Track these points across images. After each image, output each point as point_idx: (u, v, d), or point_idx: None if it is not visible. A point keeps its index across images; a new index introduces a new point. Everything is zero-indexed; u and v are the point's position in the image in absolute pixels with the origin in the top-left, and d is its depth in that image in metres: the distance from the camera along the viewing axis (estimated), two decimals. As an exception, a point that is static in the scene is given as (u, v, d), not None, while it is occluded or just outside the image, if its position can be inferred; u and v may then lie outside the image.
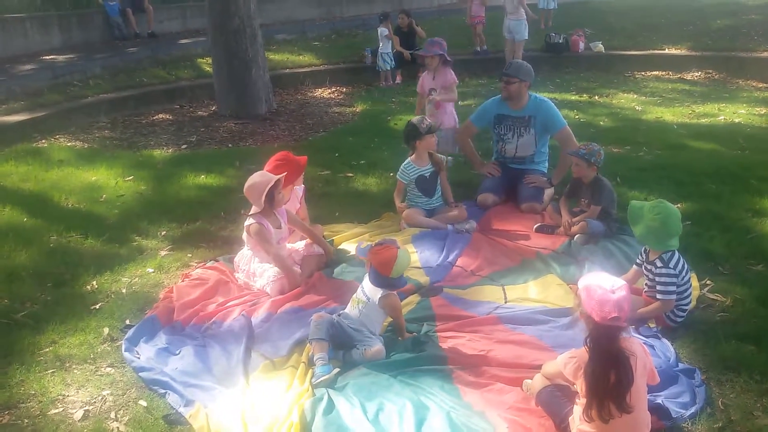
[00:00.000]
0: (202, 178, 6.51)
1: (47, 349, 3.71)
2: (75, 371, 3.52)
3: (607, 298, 2.69)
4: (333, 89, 11.42)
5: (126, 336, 3.79)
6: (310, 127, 8.90)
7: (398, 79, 11.90)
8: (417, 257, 4.73)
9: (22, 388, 3.39)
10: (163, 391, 3.34)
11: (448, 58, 6.77)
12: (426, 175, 5.45)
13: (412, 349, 3.62)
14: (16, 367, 3.55)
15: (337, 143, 7.91)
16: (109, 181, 6.46)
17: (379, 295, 3.64)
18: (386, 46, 11.67)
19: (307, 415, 3.06)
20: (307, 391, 3.26)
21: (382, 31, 11.65)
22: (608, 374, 2.64)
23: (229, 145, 8.07)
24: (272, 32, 13.89)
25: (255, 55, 9.19)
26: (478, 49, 12.89)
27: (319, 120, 9.26)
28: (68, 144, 8.09)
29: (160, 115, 9.62)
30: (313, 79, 11.70)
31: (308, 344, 3.60)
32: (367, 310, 3.68)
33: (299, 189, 5.00)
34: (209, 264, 4.69)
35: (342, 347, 3.59)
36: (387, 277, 3.62)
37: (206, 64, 11.28)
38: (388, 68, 11.76)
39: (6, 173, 6.77)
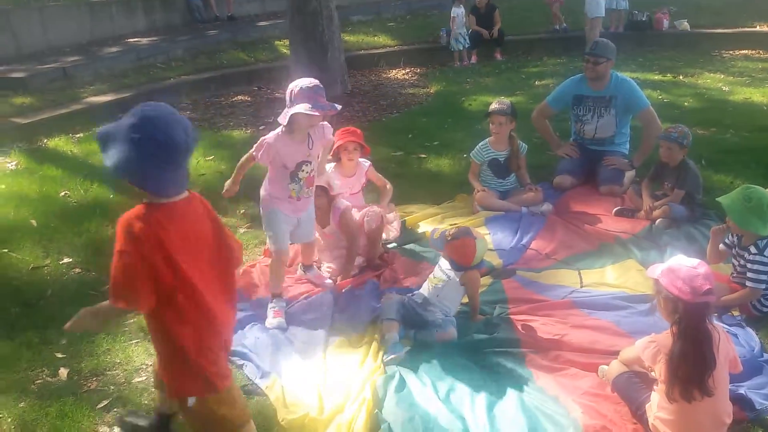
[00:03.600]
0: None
1: (131, 321, 3.87)
2: (158, 341, 3.67)
3: (695, 273, 2.62)
4: (407, 70, 11.37)
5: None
6: (384, 108, 8.90)
7: (473, 59, 11.74)
8: (490, 239, 4.69)
9: (109, 357, 3.56)
10: (242, 362, 3.45)
11: None
12: (500, 159, 5.38)
13: (485, 331, 3.61)
14: (102, 336, 3.72)
15: (411, 124, 7.89)
16: (191, 161, 6.64)
17: (461, 273, 3.66)
18: (460, 26, 11.51)
19: (380, 391, 3.10)
20: (378, 368, 3.30)
21: (456, 10, 11.50)
22: (694, 354, 2.58)
23: (305, 126, 8.15)
24: (348, 14, 13.93)
25: (331, 37, 9.24)
26: (557, 27, 12.56)
27: (393, 101, 9.25)
28: (152, 124, 8.37)
29: (239, 97, 9.83)
30: (387, 60, 11.68)
31: (380, 323, 3.64)
32: (446, 288, 3.68)
33: (364, 163, 5.00)
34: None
35: (413, 327, 3.61)
36: (467, 266, 3.65)
37: (284, 46, 11.43)
38: (461, 48, 11.61)
39: (94, 151, 7.06)
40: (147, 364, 3.47)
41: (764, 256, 3.56)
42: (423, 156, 6.68)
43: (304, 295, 4.08)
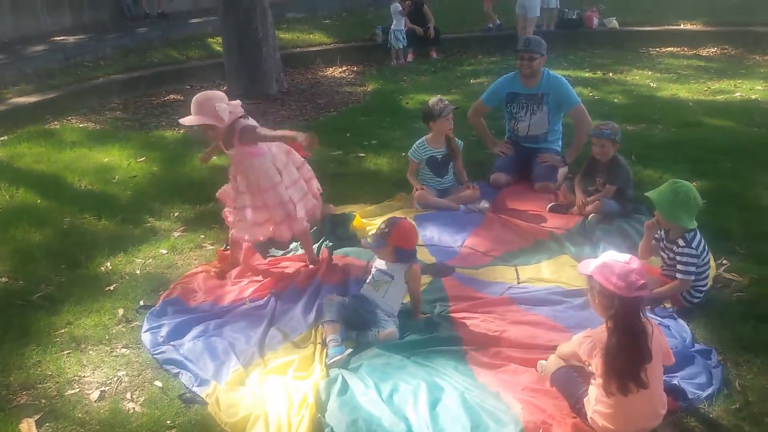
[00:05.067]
0: (214, 159, 6.42)
1: (63, 330, 3.73)
2: (90, 352, 3.54)
3: (629, 268, 2.68)
4: (344, 68, 11.33)
5: (148, 315, 3.81)
6: (321, 106, 8.85)
7: (410, 57, 11.77)
8: (420, 237, 4.72)
9: (39, 369, 3.41)
10: (177, 370, 3.35)
11: None
12: (438, 157, 5.42)
13: (426, 330, 3.62)
14: (32, 348, 3.57)
15: (349, 123, 7.87)
16: (122, 162, 6.46)
17: (404, 270, 3.67)
18: (399, 24, 11.53)
19: (322, 395, 3.07)
20: (321, 372, 3.27)
21: (395, 7, 11.50)
22: (629, 348, 2.64)
23: (241, 126, 8.02)
24: (283, 11, 13.77)
25: (265, 34, 9.12)
26: (490, 25, 12.74)
27: (330, 99, 9.20)
28: (80, 125, 8.09)
29: (171, 96, 9.59)
30: (323, 58, 11.61)
31: (320, 326, 3.61)
32: (390, 289, 3.68)
33: None
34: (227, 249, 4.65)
35: (355, 328, 3.59)
36: (412, 249, 3.72)
37: (216, 43, 11.21)
38: (401, 46, 11.63)
39: (19, 154, 6.79)
40: (80, 376, 3.35)
41: (692, 248, 3.67)
42: (362, 155, 6.67)
43: (248, 298, 4.00)
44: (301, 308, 3.86)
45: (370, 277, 3.81)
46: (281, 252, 4.65)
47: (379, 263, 3.78)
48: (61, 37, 11.60)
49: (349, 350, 3.41)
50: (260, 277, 4.24)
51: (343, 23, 13.98)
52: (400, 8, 11.53)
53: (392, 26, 11.54)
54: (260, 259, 4.53)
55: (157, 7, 14.03)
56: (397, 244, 3.69)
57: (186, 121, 3.98)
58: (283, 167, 4.19)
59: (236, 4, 8.92)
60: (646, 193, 3.93)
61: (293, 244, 4.67)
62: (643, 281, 2.68)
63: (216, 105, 3.86)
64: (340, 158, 6.56)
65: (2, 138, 7.41)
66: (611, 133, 4.99)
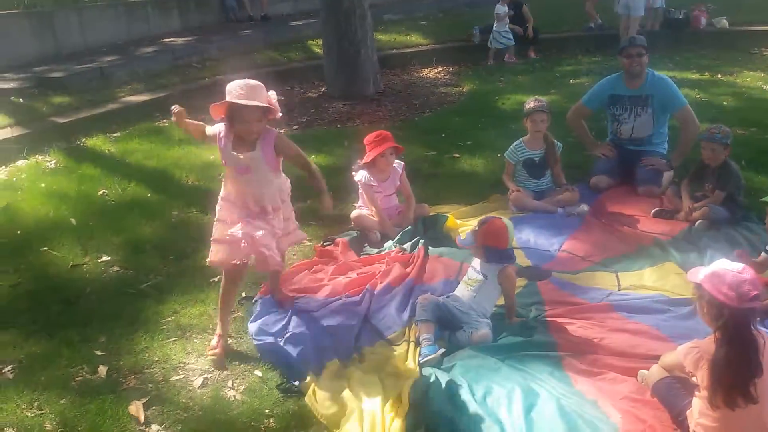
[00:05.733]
0: (313, 158, 6.58)
1: (169, 319, 3.92)
2: (195, 340, 3.71)
3: (741, 278, 2.56)
4: (440, 69, 11.34)
5: (252, 307, 3.94)
6: (416, 107, 8.88)
7: (508, 58, 11.62)
8: (515, 240, 4.66)
9: (147, 355, 3.60)
10: (277, 361, 3.45)
11: None
12: (535, 158, 5.34)
13: (521, 333, 3.57)
14: (141, 334, 3.77)
15: (444, 124, 7.86)
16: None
17: (497, 270, 3.64)
18: (502, 24, 11.43)
19: (416, 393, 3.08)
20: (414, 370, 3.29)
21: (500, 8, 11.42)
22: (738, 361, 2.52)
23: (338, 126, 8.19)
24: (380, 13, 13.93)
25: (364, 36, 9.26)
26: (591, 25, 12.41)
27: (426, 100, 9.23)
28: (188, 124, 8.46)
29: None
30: (420, 59, 11.66)
31: (414, 325, 3.63)
32: (483, 288, 3.66)
33: (398, 166, 5.02)
34: (326, 245, 4.76)
35: (448, 328, 3.59)
36: (504, 249, 3.66)
37: (317, 45, 11.48)
38: (503, 46, 11.52)
39: (131, 150, 7.19)
40: (184, 363, 3.51)
41: (808, 258, 3.47)
42: (456, 156, 6.65)
43: (345, 293, 4.06)
44: (395, 306, 3.89)
45: (465, 276, 3.79)
46: (375, 250, 4.71)
47: (475, 263, 3.76)
48: (170, 39, 12.17)
49: (442, 350, 3.41)
50: (355, 274, 4.31)
51: (440, 24, 13.98)
52: (506, 9, 11.41)
53: (495, 27, 11.44)
54: (354, 256, 4.59)
55: (261, 10, 14.49)
56: (486, 243, 3.66)
57: (251, 101, 3.32)
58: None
59: (337, 7, 9.09)
60: (763, 199, 3.70)
61: (387, 243, 4.73)
62: (755, 292, 2.55)
63: (270, 93, 3.50)
64: (435, 159, 6.57)
65: (116, 134, 7.86)
66: (723, 137, 4.77)
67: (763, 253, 3.81)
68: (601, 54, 11.32)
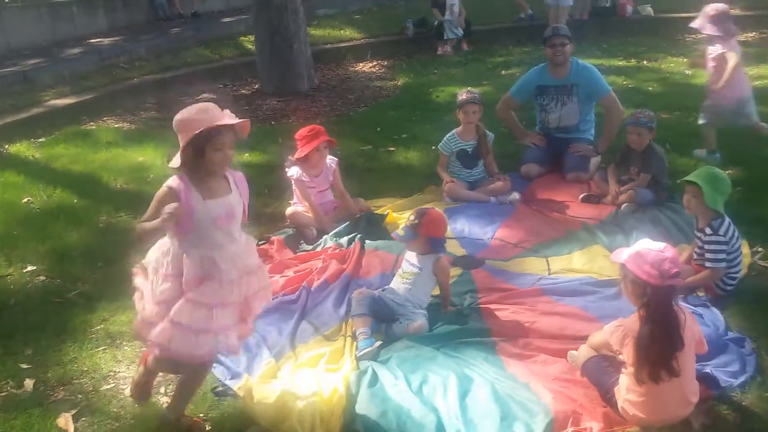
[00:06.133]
0: (246, 156, 6.56)
1: (98, 327, 3.82)
2: (125, 348, 3.62)
3: (662, 257, 2.66)
4: (374, 63, 11.34)
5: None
6: (351, 102, 8.87)
7: (445, 49, 11.73)
8: (449, 229, 4.72)
9: (76, 365, 3.49)
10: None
11: None
12: (468, 149, 5.41)
13: (456, 321, 3.63)
14: (69, 344, 3.66)
15: (379, 118, 7.88)
16: (156, 161, 6.57)
17: (432, 261, 3.67)
18: (453, 14, 11.58)
19: (352, 387, 3.09)
20: (351, 364, 3.29)
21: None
22: (661, 337, 2.62)
23: (272, 123, 8.11)
24: (313, 7, 13.85)
25: (297, 32, 9.18)
26: (522, 15, 12.62)
27: (361, 95, 9.22)
28: (115, 126, 8.24)
29: (205, 95, 9.65)
30: (354, 54, 11.63)
31: (350, 320, 3.63)
32: (418, 280, 3.70)
33: (332, 161, 5.02)
34: (261, 244, 4.68)
35: (385, 321, 3.62)
36: (442, 237, 3.75)
37: (249, 42, 11.32)
38: (454, 36, 11.67)
39: (57, 155, 6.96)
40: (115, 371, 3.42)
41: (720, 235, 3.63)
42: (392, 149, 6.68)
43: (281, 292, 4.03)
44: (332, 302, 3.89)
45: (399, 269, 3.82)
46: (311, 247, 4.69)
47: (409, 255, 3.79)
48: (97, 40, 11.83)
49: (379, 342, 3.43)
50: (291, 272, 4.28)
51: (374, 18, 13.98)
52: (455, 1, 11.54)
53: (447, 16, 11.56)
54: (290, 253, 4.56)
55: (191, 7, 14.21)
56: (429, 234, 3.70)
57: (234, 119, 2.74)
58: None
59: (269, 3, 8.99)
60: (686, 178, 3.80)
61: (323, 238, 4.71)
62: (676, 270, 2.65)
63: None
64: (370, 153, 6.58)
65: (41, 140, 7.58)
66: (647, 121, 4.92)
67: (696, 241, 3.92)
68: (532, 45, 11.46)
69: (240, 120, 2.75)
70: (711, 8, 5.45)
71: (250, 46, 11.02)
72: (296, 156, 4.87)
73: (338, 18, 13.97)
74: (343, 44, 12.06)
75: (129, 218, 5.22)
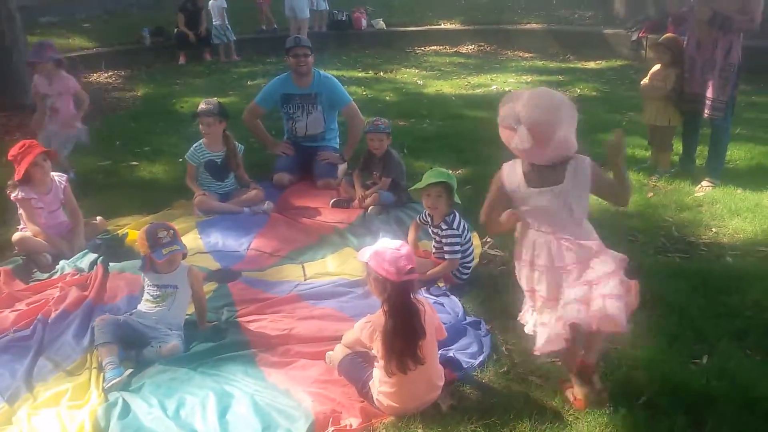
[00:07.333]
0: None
1: None
2: None
3: (398, 254, 2.81)
4: (110, 73, 10.66)
5: None
6: (85, 114, 8.20)
7: (182, 59, 11.40)
8: (202, 243, 4.63)
9: None
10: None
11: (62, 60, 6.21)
12: (217, 160, 5.31)
13: (213, 338, 3.53)
14: None
15: (118, 130, 7.44)
16: None
17: (185, 273, 3.57)
18: (218, 18, 11.42)
19: (101, 421, 2.86)
20: (98, 398, 3.04)
21: (218, 3, 11.36)
22: (404, 329, 2.77)
23: (-8, 141, 7.22)
24: (34, 15, 12.57)
25: (15, 41, 8.28)
26: (263, 27, 12.72)
27: (96, 107, 8.55)
28: None
29: None
30: (86, 64, 10.76)
31: (95, 350, 3.36)
32: (177, 299, 3.54)
33: (61, 177, 4.64)
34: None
35: (133, 347, 3.39)
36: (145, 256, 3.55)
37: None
38: (225, 41, 11.55)
39: None
40: None
41: (453, 229, 3.98)
42: (134, 163, 6.33)
43: (12, 328, 3.60)
44: (73, 333, 3.55)
45: (146, 295, 3.60)
46: (46, 275, 4.26)
47: (155, 279, 3.57)
48: None
49: (129, 371, 3.21)
50: (23, 305, 3.84)
51: (106, 26, 13.13)
52: (220, 3, 11.38)
53: (214, 22, 11.38)
54: (21, 284, 4.11)
55: None
56: (143, 252, 3.57)
57: None
58: None
59: (-24, 9, 8.00)
60: (431, 181, 4.02)
61: (60, 264, 4.31)
62: (411, 266, 2.83)
63: None
64: (110, 168, 6.17)
65: None
66: (385, 127, 5.24)
67: (413, 222, 4.26)
68: (275, 56, 11.64)
69: None
70: None
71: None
72: (17, 177, 4.40)
73: (64, 26, 12.88)
74: (72, 54, 11.10)
75: None
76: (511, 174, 2.83)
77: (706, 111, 5.26)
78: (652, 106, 5.64)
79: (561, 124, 2.60)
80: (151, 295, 3.56)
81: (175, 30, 11.48)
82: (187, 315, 3.65)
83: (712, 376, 3.11)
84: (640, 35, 10.68)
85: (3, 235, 4.70)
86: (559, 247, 2.74)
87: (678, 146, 5.82)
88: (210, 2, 11.50)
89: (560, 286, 2.76)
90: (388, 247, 2.85)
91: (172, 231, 3.58)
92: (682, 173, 5.63)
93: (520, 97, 2.65)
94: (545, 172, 2.72)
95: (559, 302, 2.75)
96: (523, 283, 2.93)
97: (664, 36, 5.87)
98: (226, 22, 11.59)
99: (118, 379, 3.12)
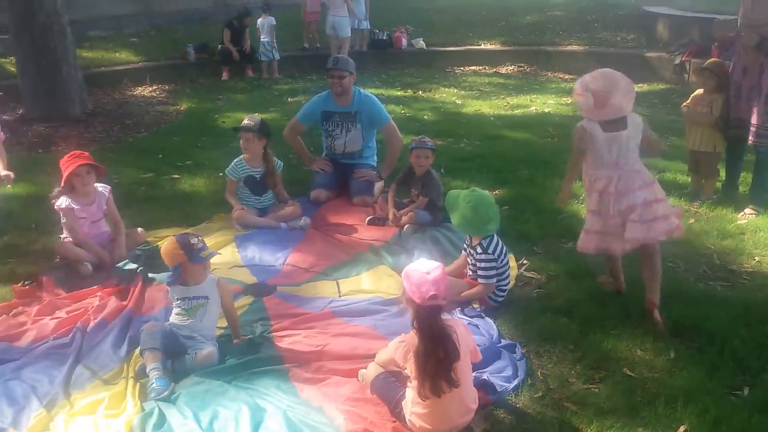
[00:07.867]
0: (9, 188, 5.92)
1: None
2: None
3: (424, 279, 2.80)
4: (155, 87, 10.90)
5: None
6: (129, 127, 8.42)
7: (225, 76, 11.61)
8: (239, 257, 4.68)
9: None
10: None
11: None
12: (256, 176, 5.37)
13: (247, 352, 3.54)
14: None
15: (161, 144, 7.57)
16: None
17: (214, 284, 3.59)
18: (267, 36, 11.62)
19: (136, 431, 2.89)
20: (134, 407, 3.08)
21: (268, 20, 11.60)
22: (436, 351, 2.75)
23: (40, 151, 7.44)
24: (84, 29, 12.94)
25: (65, 53, 8.54)
26: (306, 45, 12.90)
27: (140, 120, 8.79)
28: None
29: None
30: (132, 78, 11.08)
31: (139, 355, 3.42)
32: (208, 310, 3.57)
33: (104, 189, 4.75)
34: (27, 285, 4.31)
35: (172, 356, 3.43)
36: (178, 263, 3.54)
37: (9, 63, 10.30)
38: (271, 59, 11.74)
39: None
40: None
41: (489, 253, 3.93)
42: (176, 176, 6.43)
43: (52, 336, 3.69)
44: (111, 342, 3.62)
45: (177, 309, 3.62)
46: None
47: (184, 291, 3.59)
48: None
49: (173, 384, 3.24)
50: (63, 313, 3.93)
51: (152, 41, 13.43)
52: (269, 21, 11.61)
53: (262, 39, 11.63)
54: (62, 293, 4.20)
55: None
56: (170, 264, 3.58)
57: None
58: None
59: (30, 23, 8.27)
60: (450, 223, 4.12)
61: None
62: (433, 292, 2.78)
63: None
64: (152, 181, 6.29)
65: None
66: (432, 144, 5.25)
67: (463, 251, 4.22)
68: (315, 73, 11.80)
69: None
70: None
71: (11, 68, 10.02)
72: (62, 185, 4.53)
73: (112, 40, 13.22)
74: (119, 67, 11.45)
75: None
76: (590, 125, 3.67)
77: (750, 137, 5.17)
78: (696, 132, 5.55)
79: (616, 94, 3.56)
80: (182, 308, 3.59)
81: (220, 46, 11.70)
82: (221, 328, 3.69)
83: (755, 408, 3.02)
84: (683, 59, 10.55)
85: (46, 243, 4.82)
86: (627, 173, 3.66)
87: (721, 172, 5.73)
88: (259, 20, 11.70)
89: (627, 204, 3.63)
90: (418, 269, 2.85)
91: (201, 237, 3.66)
92: (724, 200, 5.52)
93: (591, 73, 3.62)
94: (613, 124, 3.65)
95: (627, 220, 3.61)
96: (593, 205, 3.74)
97: (710, 60, 5.80)
98: (274, 40, 11.77)
99: (165, 392, 3.15)
